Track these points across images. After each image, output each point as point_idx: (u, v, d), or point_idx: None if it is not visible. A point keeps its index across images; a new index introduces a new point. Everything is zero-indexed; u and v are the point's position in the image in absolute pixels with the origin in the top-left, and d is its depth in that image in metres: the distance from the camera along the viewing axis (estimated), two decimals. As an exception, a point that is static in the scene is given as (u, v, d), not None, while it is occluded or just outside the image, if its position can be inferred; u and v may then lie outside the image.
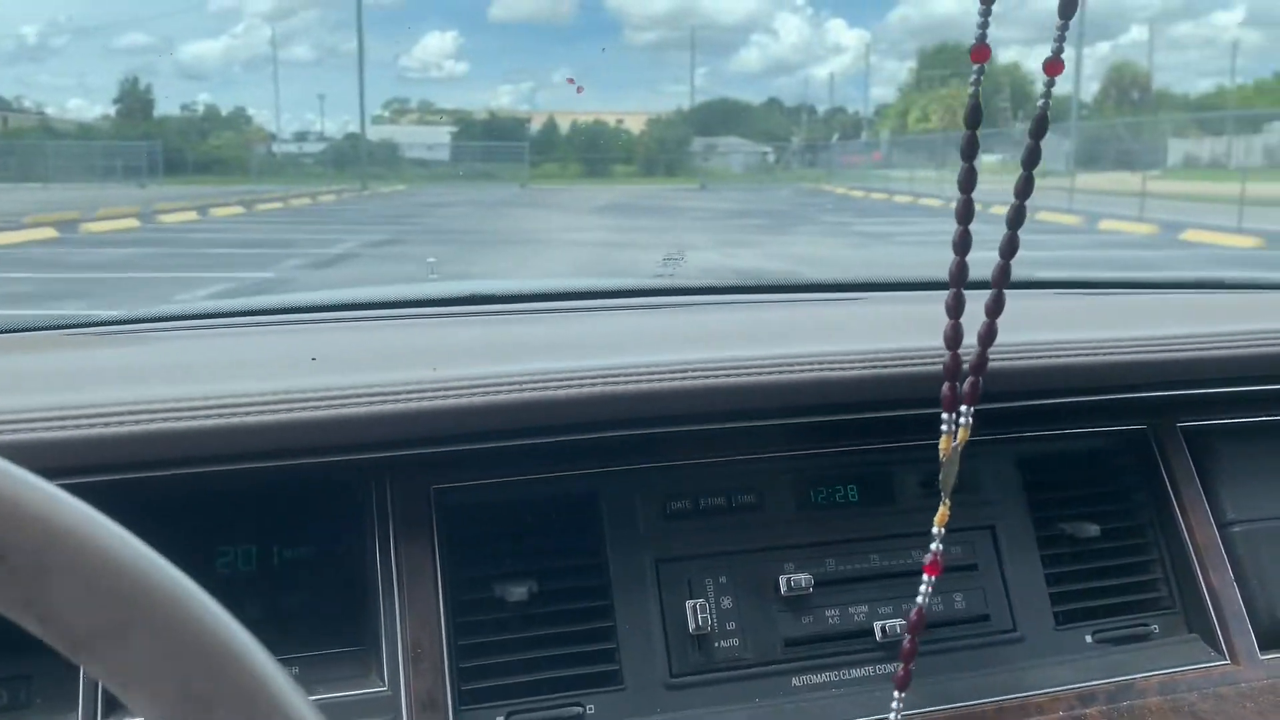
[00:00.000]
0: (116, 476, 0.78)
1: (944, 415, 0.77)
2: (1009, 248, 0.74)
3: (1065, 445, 1.04)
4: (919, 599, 0.80)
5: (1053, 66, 0.70)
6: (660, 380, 0.85)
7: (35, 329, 1.05)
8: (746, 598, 0.92)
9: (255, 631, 0.90)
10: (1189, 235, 13.27)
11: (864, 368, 0.91)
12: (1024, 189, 0.74)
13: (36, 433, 0.74)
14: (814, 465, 0.98)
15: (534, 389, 0.82)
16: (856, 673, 0.92)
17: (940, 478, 0.78)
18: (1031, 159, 0.73)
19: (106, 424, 0.77)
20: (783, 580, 0.92)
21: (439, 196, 21.88)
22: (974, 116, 0.71)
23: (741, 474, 0.96)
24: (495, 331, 1.08)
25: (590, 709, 0.86)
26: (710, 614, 0.90)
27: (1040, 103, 0.71)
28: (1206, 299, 1.36)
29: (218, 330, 1.06)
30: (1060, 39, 0.69)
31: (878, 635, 0.93)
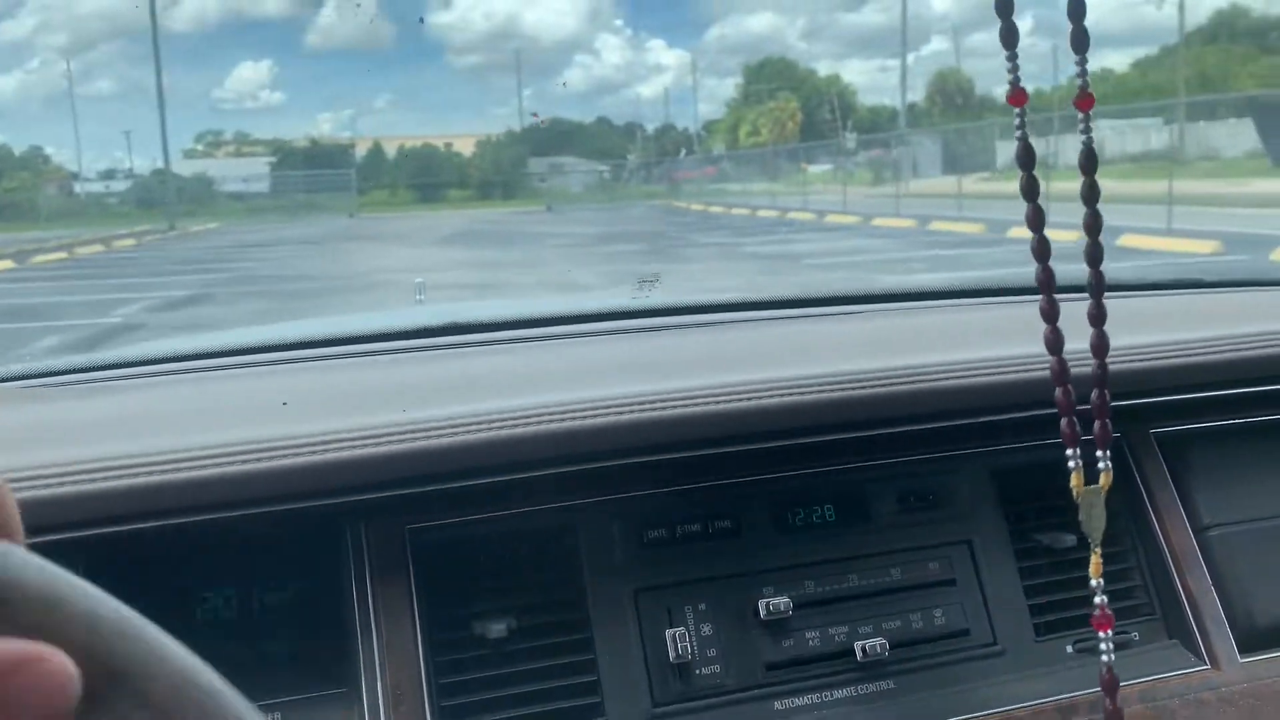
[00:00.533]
0: (95, 531, 0.78)
1: (1068, 452, 0.75)
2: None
3: (1040, 456, 1.05)
4: (1104, 658, 0.77)
5: (1017, 98, 0.70)
6: (627, 413, 0.86)
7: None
8: (726, 623, 0.92)
9: (237, 676, 0.90)
10: (1013, 232, 13.28)
11: (835, 390, 0.91)
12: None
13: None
14: (790, 487, 0.98)
15: (503, 427, 0.82)
16: (839, 694, 0.93)
17: (1082, 521, 0.76)
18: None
19: (84, 480, 0.77)
20: (762, 604, 0.93)
21: (258, 233, 19.98)
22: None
23: (718, 499, 0.96)
24: (465, 366, 1.08)
25: (574, 742, 0.87)
26: (690, 642, 0.91)
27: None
28: (1176, 301, 1.37)
29: (186, 376, 1.06)
30: (1013, 69, 0.69)
31: (858, 655, 0.93)
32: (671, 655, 0.90)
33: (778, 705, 0.91)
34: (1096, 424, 0.73)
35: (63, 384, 1.05)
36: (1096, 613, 0.74)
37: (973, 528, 1.01)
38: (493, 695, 0.86)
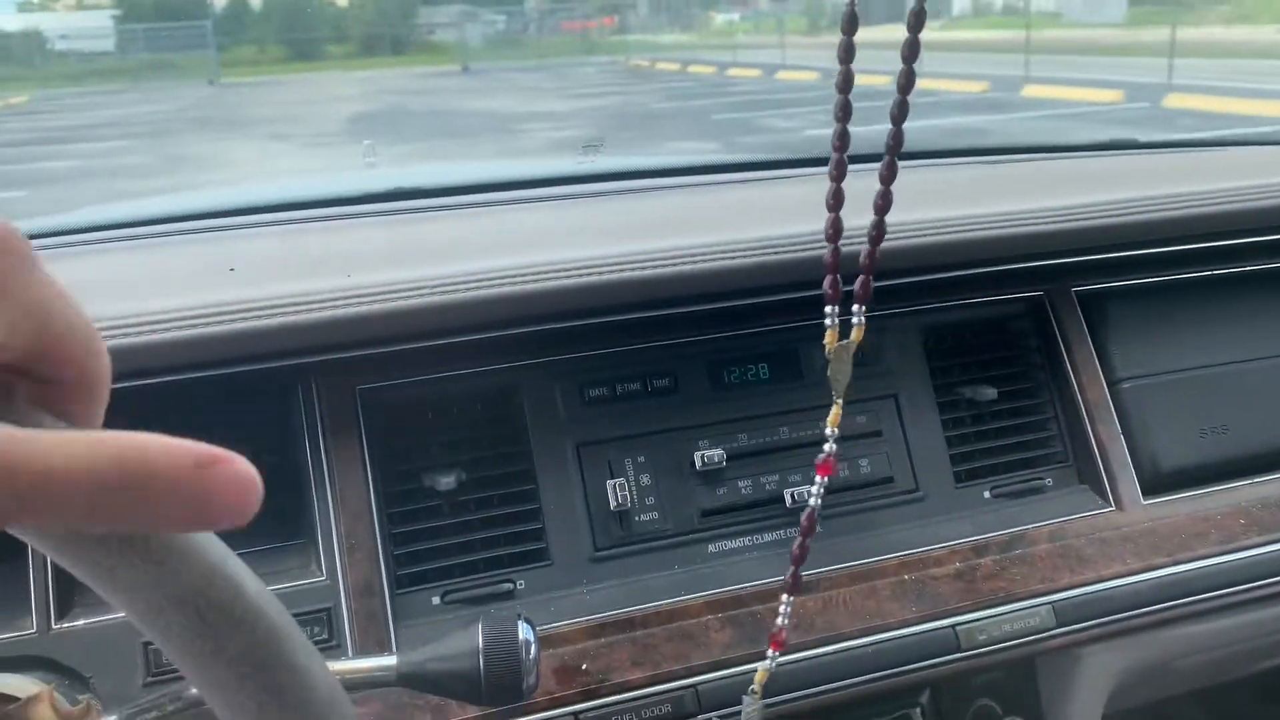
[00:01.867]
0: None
1: (826, 309, 0.81)
2: (895, 144, 0.77)
3: (965, 314, 1.10)
4: (811, 501, 0.83)
5: None
6: (565, 278, 0.89)
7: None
8: (664, 475, 0.98)
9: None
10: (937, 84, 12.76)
11: (760, 255, 0.95)
12: (910, 54, 0.75)
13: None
14: (726, 347, 1.03)
15: (444, 292, 0.86)
16: (768, 537, 0.99)
17: (829, 374, 0.82)
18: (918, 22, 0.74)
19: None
20: (698, 456, 0.98)
21: (79, 113, 14.93)
22: (851, 23, 0.73)
23: (657, 359, 1.00)
24: (410, 232, 1.10)
25: (520, 584, 0.93)
26: (630, 491, 0.96)
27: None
28: (1104, 163, 1.41)
29: (134, 243, 1.07)
30: None
31: (787, 502, 0.99)
32: (612, 504, 0.95)
33: (711, 548, 0.98)
34: (859, 280, 0.78)
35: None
36: (820, 458, 0.80)
37: (899, 383, 1.06)
38: (442, 543, 0.92)
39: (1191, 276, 1.14)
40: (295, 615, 0.86)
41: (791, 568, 0.83)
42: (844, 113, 0.76)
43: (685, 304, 0.98)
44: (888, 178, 0.79)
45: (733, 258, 0.94)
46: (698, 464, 0.98)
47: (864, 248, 0.80)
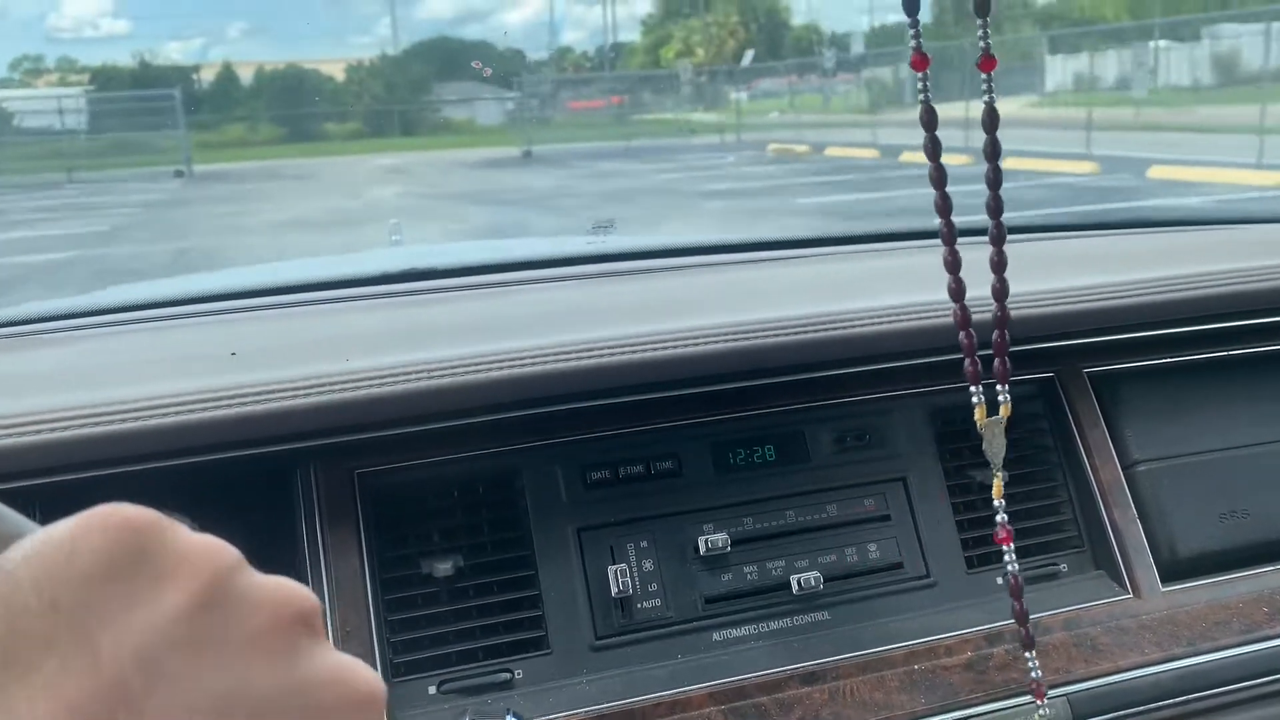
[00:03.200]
0: (47, 480, 0.82)
1: (971, 389, 0.80)
2: (996, 207, 0.77)
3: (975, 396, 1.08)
4: (1009, 566, 0.84)
5: (986, 63, 0.72)
6: (565, 362, 0.89)
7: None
8: (667, 560, 0.96)
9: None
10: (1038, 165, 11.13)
11: (773, 336, 0.94)
12: (992, 151, 0.75)
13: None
14: (731, 428, 1.01)
15: (441, 376, 0.85)
16: (774, 625, 0.97)
17: (984, 449, 0.82)
18: (994, 150, 0.75)
19: (33, 432, 0.80)
20: (701, 541, 0.96)
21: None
22: (929, 118, 0.74)
23: (660, 441, 0.99)
24: (418, 314, 1.11)
25: (519, 673, 0.91)
26: (631, 577, 0.94)
27: (987, 97, 0.74)
28: (1118, 242, 1.40)
29: (135, 327, 1.08)
30: (984, 37, 0.71)
31: (794, 589, 0.97)
32: (614, 590, 0.93)
33: (716, 636, 0.95)
34: (996, 362, 0.78)
35: (7, 336, 1.07)
36: (1000, 532, 0.80)
37: (907, 465, 1.04)
38: (440, 631, 0.90)
39: (1207, 357, 1.12)
40: (287, 705, 0.85)
41: (1022, 630, 0.84)
42: (939, 178, 0.76)
43: (689, 385, 0.97)
44: (999, 265, 0.78)
45: (739, 339, 0.93)
46: (701, 549, 0.96)
47: (994, 327, 0.80)
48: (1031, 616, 0.99)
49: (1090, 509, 1.06)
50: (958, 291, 0.77)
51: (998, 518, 0.81)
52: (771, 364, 0.98)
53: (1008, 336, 0.78)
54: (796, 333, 0.97)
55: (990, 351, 0.79)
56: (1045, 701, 0.84)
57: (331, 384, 0.84)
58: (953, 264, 0.77)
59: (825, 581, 0.98)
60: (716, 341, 0.95)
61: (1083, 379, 1.09)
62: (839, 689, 0.92)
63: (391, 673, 0.88)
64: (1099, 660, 0.96)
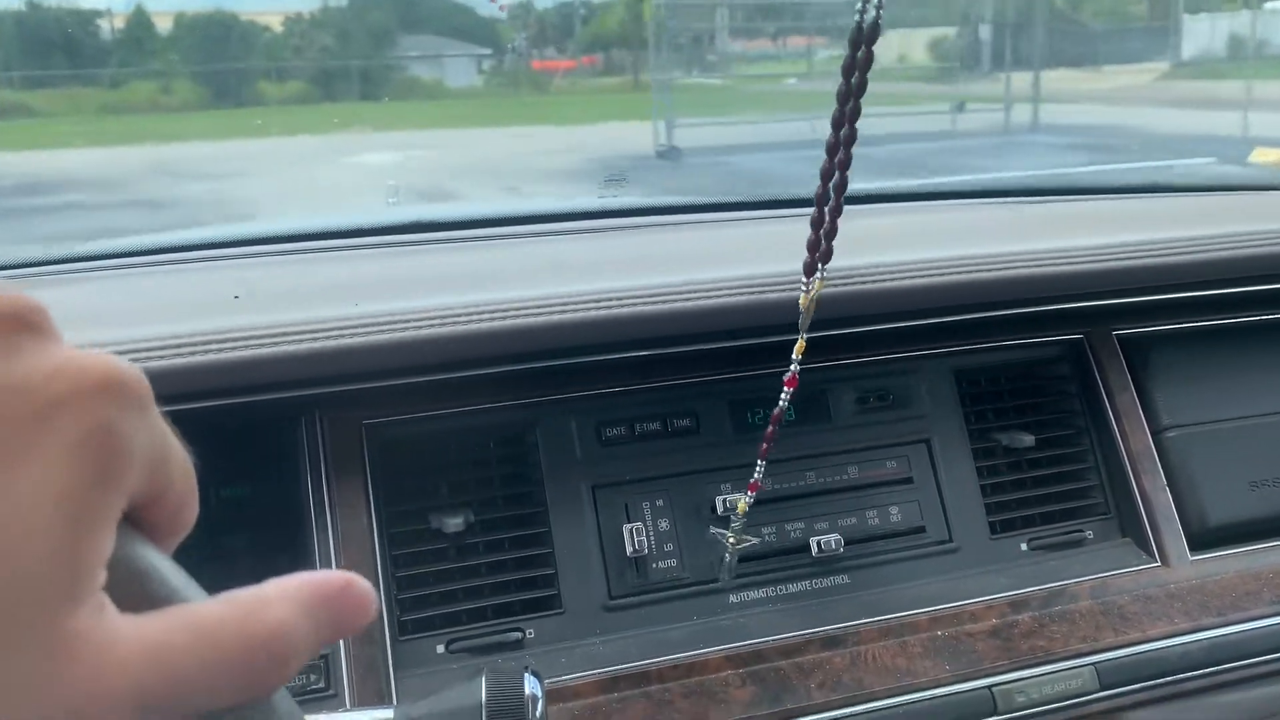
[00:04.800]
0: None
1: (803, 279, 0.82)
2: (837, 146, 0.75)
3: (1001, 357, 1.05)
4: (781, 402, 0.85)
5: None
6: (585, 310, 0.85)
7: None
8: (683, 520, 0.93)
9: (199, 571, 0.90)
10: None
11: (786, 291, 0.90)
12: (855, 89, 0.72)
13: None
14: (751, 386, 0.98)
15: (456, 323, 0.82)
16: (793, 588, 0.94)
17: (799, 323, 0.83)
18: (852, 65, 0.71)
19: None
20: (719, 500, 0.93)
21: None
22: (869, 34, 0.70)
23: (678, 398, 0.96)
24: (424, 262, 1.07)
25: (530, 633, 0.88)
26: (647, 537, 0.91)
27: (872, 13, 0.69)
28: (1145, 204, 1.36)
29: (138, 270, 1.04)
30: None
31: (814, 551, 0.94)
32: (628, 549, 0.90)
33: (733, 598, 0.92)
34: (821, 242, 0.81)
35: (11, 278, 1.03)
36: (787, 376, 0.85)
37: (932, 427, 1.01)
38: (449, 588, 0.87)
39: (1240, 321, 1.09)
40: (291, 662, 0.81)
41: (762, 457, 0.86)
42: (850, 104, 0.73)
43: (708, 340, 0.93)
44: (846, 138, 0.75)
45: (757, 293, 0.89)
46: (719, 508, 0.93)
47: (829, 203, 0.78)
48: (1058, 583, 0.97)
49: (1118, 475, 1.03)
50: (814, 245, 0.79)
51: (793, 367, 0.84)
52: (792, 319, 0.94)
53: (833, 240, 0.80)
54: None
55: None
56: (753, 495, 0.87)
57: (340, 329, 0.80)
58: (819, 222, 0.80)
59: (846, 544, 0.94)
60: (736, 294, 0.91)
61: (1112, 342, 1.06)
62: (860, 654, 0.89)
63: (398, 631, 0.85)
64: (1126, 629, 0.93)
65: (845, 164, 0.74)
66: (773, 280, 0.91)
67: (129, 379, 0.28)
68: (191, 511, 0.32)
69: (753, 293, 0.90)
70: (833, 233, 0.78)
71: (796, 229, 1.27)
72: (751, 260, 0.96)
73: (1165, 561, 1.00)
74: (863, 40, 0.70)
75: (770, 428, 0.84)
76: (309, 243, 1.12)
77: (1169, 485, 1.02)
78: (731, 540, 0.89)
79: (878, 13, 0.68)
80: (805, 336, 0.83)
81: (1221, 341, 1.09)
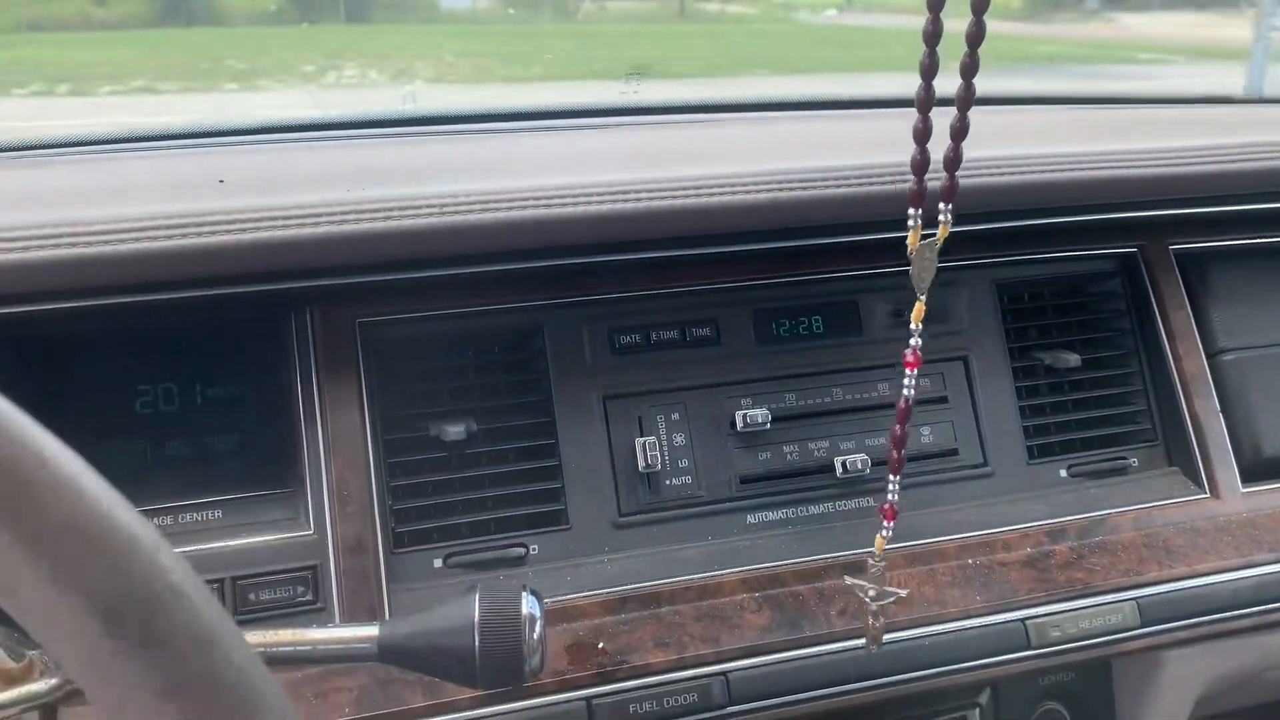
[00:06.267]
0: (13, 310, 0.72)
1: (910, 211, 0.69)
2: (977, 34, 0.65)
3: (1047, 270, 0.97)
4: (905, 391, 0.72)
5: None
6: (598, 203, 0.78)
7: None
8: (699, 435, 0.87)
9: (180, 473, 0.84)
10: None
11: (826, 186, 0.83)
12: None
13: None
14: (775, 295, 0.91)
15: (458, 211, 0.75)
16: (815, 509, 0.88)
17: (912, 272, 0.71)
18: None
19: (4, 249, 0.70)
20: (739, 416, 0.87)
21: None
22: None
23: (697, 305, 0.89)
24: (428, 151, 1.00)
25: (534, 549, 0.82)
26: (660, 451, 0.85)
27: None
28: (1207, 113, 1.27)
29: (115, 155, 0.97)
30: None
31: (838, 471, 0.88)
32: (640, 464, 0.84)
33: (750, 519, 0.87)
34: (944, 177, 0.68)
35: (18, 157, 0.97)
36: (909, 355, 0.71)
37: (970, 343, 0.94)
38: (448, 499, 0.82)
39: (1307, 238, 1.01)
40: (277, 572, 0.76)
41: (894, 450, 0.73)
42: (934, 32, 0.65)
43: (729, 242, 0.86)
44: (969, 68, 0.67)
45: (789, 188, 0.82)
46: (738, 424, 0.87)
47: (948, 145, 0.69)
48: (1098, 513, 0.91)
49: (1167, 400, 0.96)
50: (921, 164, 0.67)
51: (912, 341, 0.71)
52: (819, 220, 0.87)
53: (957, 183, 0.68)
54: (844, 184, 0.85)
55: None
56: (890, 524, 0.74)
57: (334, 214, 0.73)
58: (922, 132, 0.66)
59: (872, 465, 0.88)
60: (761, 190, 0.83)
61: (1168, 256, 0.98)
62: (885, 581, 0.83)
63: (393, 543, 0.80)
64: (1172, 563, 0.87)
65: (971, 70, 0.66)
66: (805, 176, 0.83)
67: None
68: None
69: (781, 188, 0.83)
70: (963, 132, 0.68)
71: (847, 126, 1.19)
72: (786, 157, 0.88)
73: (1215, 493, 0.93)
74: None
75: (898, 427, 0.73)
76: (304, 132, 1.04)
77: (1222, 411, 0.95)
78: (872, 594, 0.76)
79: None
80: (923, 297, 0.71)
81: (1286, 260, 1.01)
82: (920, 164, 0.68)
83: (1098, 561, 0.87)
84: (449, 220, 0.75)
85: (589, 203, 0.78)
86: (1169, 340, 0.96)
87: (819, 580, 0.83)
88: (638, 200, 0.79)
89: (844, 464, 0.88)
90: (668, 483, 0.86)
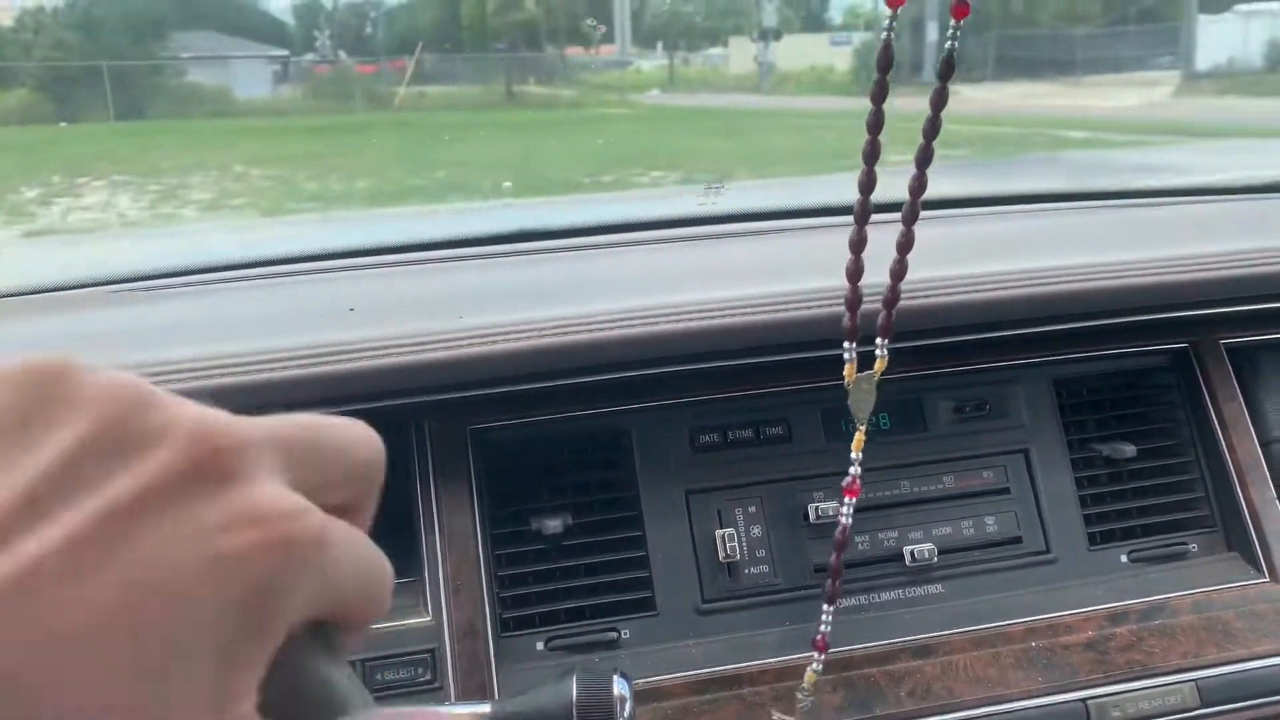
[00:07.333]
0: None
1: (844, 345, 0.80)
2: (918, 186, 0.75)
3: (1102, 366, 1.04)
4: (842, 519, 0.82)
5: (959, 10, 0.69)
6: (678, 322, 0.88)
7: (72, 287, 1.11)
8: (776, 526, 0.95)
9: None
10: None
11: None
12: (930, 129, 0.73)
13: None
14: (844, 395, 0.99)
15: (555, 334, 0.85)
16: (885, 596, 0.95)
17: (850, 404, 0.81)
18: (940, 99, 0.72)
19: (158, 382, 0.82)
20: (811, 509, 0.95)
21: None
22: (886, 58, 0.71)
23: (770, 406, 0.98)
24: (530, 273, 1.11)
25: (625, 633, 0.91)
26: (740, 542, 0.93)
27: (948, 45, 0.70)
28: (1248, 207, 1.32)
29: (257, 283, 1.11)
30: None
31: (907, 560, 0.95)
32: (721, 555, 0.93)
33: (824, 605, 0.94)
34: (882, 313, 0.77)
35: (135, 289, 1.11)
36: (846, 482, 0.81)
37: (1030, 437, 1.01)
38: (548, 588, 0.91)
39: (1358, 330, 1.05)
40: (401, 655, 0.86)
41: (831, 580, 0.83)
42: (872, 152, 0.74)
43: (801, 349, 0.95)
44: (909, 218, 0.77)
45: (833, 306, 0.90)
46: (811, 516, 0.95)
47: (886, 283, 0.78)
48: (1158, 597, 0.96)
49: (1224, 487, 1.01)
50: (854, 272, 0.77)
51: (852, 470, 0.81)
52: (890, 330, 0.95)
53: (893, 318, 0.78)
54: (916, 297, 0.94)
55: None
56: (822, 655, 0.82)
57: (446, 341, 0.84)
58: (858, 243, 0.76)
59: (940, 554, 0.95)
60: (834, 305, 0.92)
61: (1219, 350, 1.04)
62: (951, 664, 0.90)
63: (501, 627, 0.89)
64: (1231, 645, 0.92)
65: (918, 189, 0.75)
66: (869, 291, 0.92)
67: (300, 537, 0.28)
68: (378, 606, 0.33)
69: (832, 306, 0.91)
70: (900, 274, 0.78)
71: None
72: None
73: (1274, 576, 0.97)
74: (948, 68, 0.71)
75: (834, 555, 0.82)
76: (422, 252, 1.17)
77: (1279, 497, 0.99)
78: None
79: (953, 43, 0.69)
80: (863, 428, 0.81)
81: (1338, 351, 1.05)
82: (853, 300, 0.77)
83: (1157, 644, 0.92)
84: (544, 343, 0.85)
85: (670, 323, 0.88)
86: (1222, 430, 1.01)
87: (889, 663, 0.90)
88: (716, 319, 0.89)
89: (912, 553, 0.95)
90: (746, 571, 0.94)
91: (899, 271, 0.76)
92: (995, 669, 0.89)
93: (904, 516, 0.97)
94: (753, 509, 0.95)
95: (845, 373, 0.79)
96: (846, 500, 0.81)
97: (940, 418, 1.00)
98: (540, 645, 0.90)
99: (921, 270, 0.96)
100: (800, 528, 0.95)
